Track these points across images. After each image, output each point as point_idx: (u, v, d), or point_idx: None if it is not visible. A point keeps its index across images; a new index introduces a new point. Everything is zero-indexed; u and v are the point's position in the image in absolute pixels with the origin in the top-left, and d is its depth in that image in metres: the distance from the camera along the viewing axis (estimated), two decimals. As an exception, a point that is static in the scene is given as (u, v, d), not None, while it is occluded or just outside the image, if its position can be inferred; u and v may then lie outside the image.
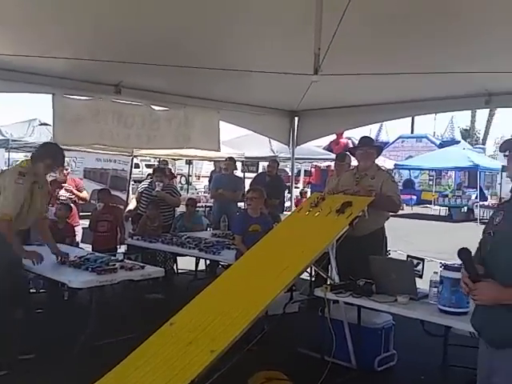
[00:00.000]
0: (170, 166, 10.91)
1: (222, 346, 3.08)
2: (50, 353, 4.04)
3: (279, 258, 3.93)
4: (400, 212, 16.21)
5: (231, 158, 7.79)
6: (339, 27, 3.36)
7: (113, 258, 4.69)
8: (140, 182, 7.85)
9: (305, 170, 21.60)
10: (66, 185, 6.47)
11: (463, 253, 2.04)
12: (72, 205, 6.36)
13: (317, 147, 16.36)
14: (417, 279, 3.52)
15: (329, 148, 18.40)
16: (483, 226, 2.28)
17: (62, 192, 6.46)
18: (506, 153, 2.09)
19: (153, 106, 6.24)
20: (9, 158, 9.38)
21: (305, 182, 21.41)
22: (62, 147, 8.30)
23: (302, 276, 4.46)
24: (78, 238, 6.33)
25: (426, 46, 4.03)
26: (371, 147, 4.61)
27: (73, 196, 6.51)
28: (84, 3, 3.48)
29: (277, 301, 3.72)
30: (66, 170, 6.70)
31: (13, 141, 9.19)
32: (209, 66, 4.64)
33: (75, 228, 6.23)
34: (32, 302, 4.97)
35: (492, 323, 2.04)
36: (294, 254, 3.89)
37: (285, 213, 7.48)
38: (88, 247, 5.94)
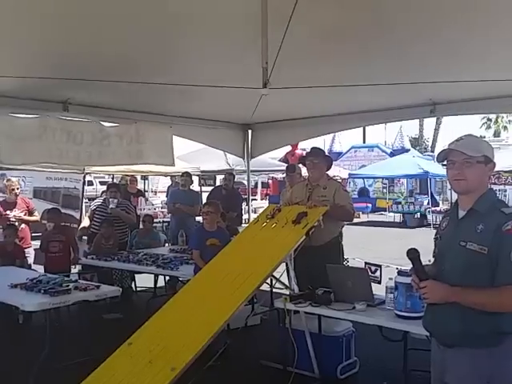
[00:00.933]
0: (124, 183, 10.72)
1: (182, 364, 3.04)
2: (7, 378, 3.87)
3: (238, 270, 3.92)
4: (356, 220, 16.54)
5: (187, 173, 7.75)
6: (286, 41, 3.40)
7: (66, 278, 4.54)
8: (94, 199, 7.68)
9: (262, 182, 21.74)
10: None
11: (411, 252, 2.11)
12: (23, 225, 6.15)
13: (272, 159, 16.51)
14: (376, 285, 3.60)
15: (285, 159, 18.58)
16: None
17: (14, 213, 6.26)
18: (444, 162, 2.15)
19: (102, 123, 6.13)
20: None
21: (262, 193, 21.54)
22: (10, 166, 8.08)
23: (263, 287, 4.46)
24: (31, 259, 6.12)
25: (372, 58, 4.14)
26: (318, 157, 4.65)
27: (24, 217, 6.31)
28: (27, 19, 3.37)
29: (238, 314, 3.71)
30: (18, 189, 6.50)
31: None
32: (157, 81, 4.61)
33: (27, 249, 6.04)
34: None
35: (442, 323, 2.09)
36: (252, 266, 3.90)
37: (243, 225, 7.47)
38: (41, 269, 5.73)
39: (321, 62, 4.26)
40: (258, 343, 4.82)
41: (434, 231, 2.34)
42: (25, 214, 6.37)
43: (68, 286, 4.13)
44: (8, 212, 6.29)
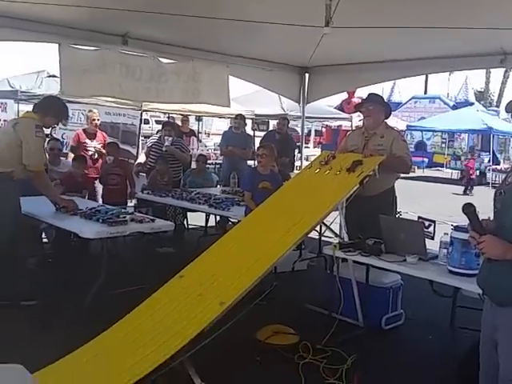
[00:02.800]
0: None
1: (231, 299, 3.12)
2: (61, 300, 4.14)
3: (288, 215, 3.92)
4: (411, 174, 16.12)
5: (241, 115, 7.68)
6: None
7: (123, 210, 4.71)
8: (150, 137, 7.80)
9: (315, 130, 21.39)
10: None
11: (466, 207, 2.05)
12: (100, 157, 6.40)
13: (328, 106, 16.11)
14: (428, 241, 3.51)
15: (340, 107, 18.13)
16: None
17: (93, 143, 6.50)
18: None
19: (160, 59, 6.10)
20: (18, 110, 9.28)
21: (315, 141, 21.25)
22: (71, 99, 8.29)
23: (311, 234, 4.47)
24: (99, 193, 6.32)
25: (441, 1, 3.85)
26: (374, 104, 4.46)
27: (102, 150, 6.53)
28: None
29: (286, 258, 3.74)
30: (98, 120, 6.69)
31: (21, 92, 9.08)
32: (216, 17, 4.48)
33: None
34: (44, 252, 5.07)
35: (495, 281, 2.05)
36: (303, 212, 3.89)
37: (295, 171, 7.43)
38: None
39: (385, 2, 3.99)
40: (304, 288, 4.89)
41: (493, 190, 2.24)
42: (102, 147, 6.58)
43: (125, 217, 4.28)
44: (87, 141, 6.54)
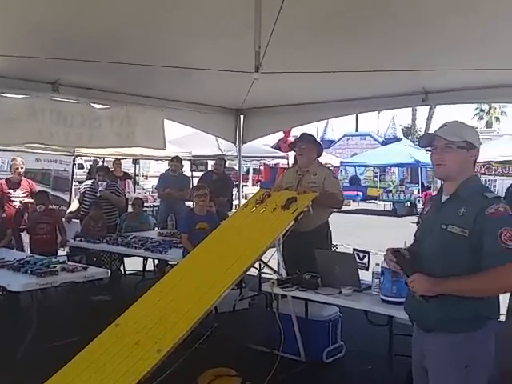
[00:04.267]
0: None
1: (168, 345, 3.05)
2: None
3: (226, 254, 3.93)
4: (347, 208, 16.61)
5: (177, 158, 7.70)
6: (278, 25, 3.38)
7: (54, 260, 4.53)
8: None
9: (254, 169, 21.71)
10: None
11: (398, 256, 2.16)
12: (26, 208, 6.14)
13: (265, 145, 16.48)
14: (363, 272, 3.62)
15: (277, 146, 18.56)
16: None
17: (17, 193, 6.24)
18: (428, 148, 2.15)
19: (93, 104, 6.06)
20: None
21: (254, 180, 21.52)
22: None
23: (251, 272, 4.48)
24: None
25: (364, 45, 4.11)
26: (306, 143, 4.62)
27: (26, 198, 6.29)
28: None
29: (226, 298, 3.72)
30: (21, 168, 6.45)
31: None
32: (148, 63, 4.55)
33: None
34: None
35: (421, 308, 2.10)
36: (240, 250, 3.90)
37: (233, 211, 7.47)
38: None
39: (313, 48, 4.23)
40: (245, 327, 4.85)
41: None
42: (27, 196, 6.34)
43: (55, 267, 4.12)
44: (11, 191, 6.28)
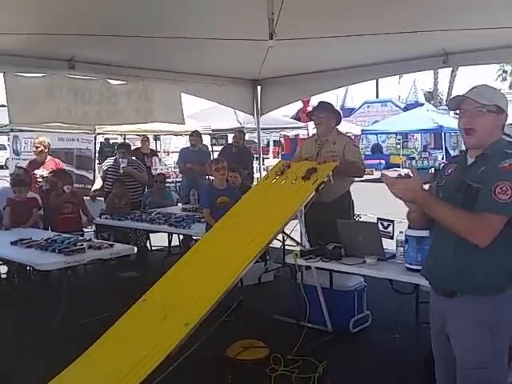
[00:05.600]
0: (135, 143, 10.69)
1: (196, 319, 3.09)
2: (26, 335, 4.00)
3: (249, 227, 3.94)
4: (370, 177, 16.39)
5: (196, 132, 7.67)
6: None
7: (81, 238, 4.61)
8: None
9: (274, 141, 21.57)
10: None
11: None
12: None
13: (284, 116, 16.31)
14: (388, 240, 3.58)
15: (296, 117, 18.38)
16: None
17: (42, 172, 6.26)
18: (457, 111, 2.09)
19: (109, 81, 6.03)
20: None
21: (275, 152, 21.42)
22: (22, 127, 8.03)
23: (275, 244, 4.49)
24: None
25: (382, 6, 3.97)
26: (324, 112, 4.54)
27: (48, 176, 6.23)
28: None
29: (251, 271, 3.74)
30: (43, 148, 6.40)
31: (-29, 122, 8.84)
32: (161, 35, 4.49)
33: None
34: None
35: (441, 272, 2.07)
36: (263, 223, 3.90)
37: (254, 183, 7.46)
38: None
39: (329, 12, 4.09)
40: (271, 299, 4.89)
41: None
42: (51, 175, 6.23)
43: (82, 244, 4.19)
44: (36, 171, 6.30)
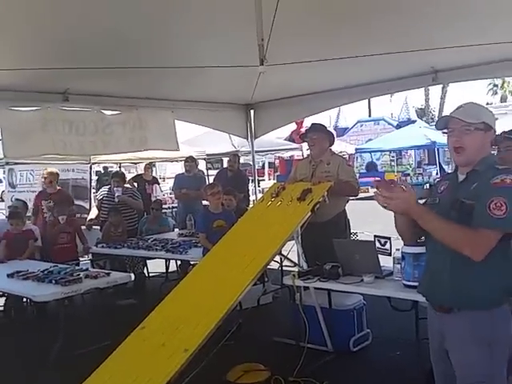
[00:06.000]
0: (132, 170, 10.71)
1: (195, 344, 3.07)
2: (24, 367, 3.97)
3: (245, 250, 3.94)
4: (365, 194, 16.40)
5: (191, 158, 7.73)
6: (279, 15, 3.36)
7: (77, 267, 4.60)
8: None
9: (269, 163, 21.66)
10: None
11: None
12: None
13: (278, 138, 16.43)
14: (386, 258, 3.60)
15: (290, 138, 18.48)
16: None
17: (46, 203, 6.25)
18: (445, 130, 2.12)
19: (103, 111, 6.11)
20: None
21: (270, 173, 21.49)
22: (17, 160, 8.06)
23: (273, 265, 4.49)
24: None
25: (367, 28, 4.05)
26: (317, 133, 4.60)
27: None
28: (20, 8, 3.36)
29: (250, 293, 3.74)
30: (50, 179, 6.36)
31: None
32: (155, 65, 4.57)
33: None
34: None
35: (438, 288, 2.08)
36: (260, 245, 3.92)
37: (250, 206, 7.47)
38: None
39: (317, 35, 4.18)
40: (270, 321, 4.86)
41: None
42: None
43: (79, 274, 4.18)
44: (42, 202, 6.29)
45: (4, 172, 10.10)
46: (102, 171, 15.00)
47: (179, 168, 13.48)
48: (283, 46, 3.99)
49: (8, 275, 4.41)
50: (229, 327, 3.64)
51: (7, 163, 9.03)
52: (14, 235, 5.46)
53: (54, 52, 4.24)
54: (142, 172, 9.07)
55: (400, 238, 2.38)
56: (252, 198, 8.62)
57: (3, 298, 5.18)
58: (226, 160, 14.40)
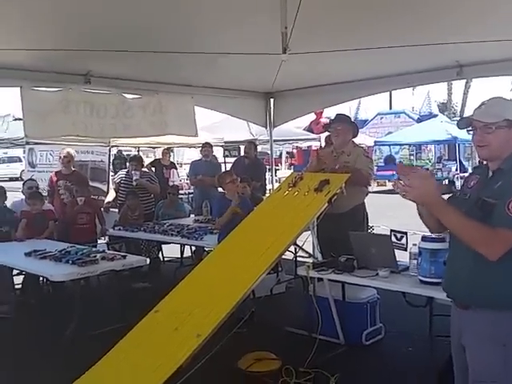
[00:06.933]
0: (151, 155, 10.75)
1: (208, 330, 3.09)
2: (40, 345, 4.04)
3: (261, 239, 3.94)
4: (383, 188, 16.32)
5: (208, 144, 7.74)
6: (304, 3, 3.32)
7: (94, 249, 4.65)
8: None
9: (286, 152, 21.60)
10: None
11: None
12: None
13: (297, 128, 16.32)
14: (402, 252, 3.56)
15: (309, 128, 18.37)
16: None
17: (61, 183, 6.33)
18: (469, 128, 2.08)
19: (125, 94, 6.13)
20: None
21: (287, 163, 21.45)
22: (37, 140, 8.16)
23: (287, 255, 4.48)
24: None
25: (396, 19, 3.99)
26: (341, 124, 4.56)
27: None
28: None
29: (263, 282, 3.74)
30: (69, 160, 6.43)
31: (-12, 137, 8.99)
32: (178, 51, 4.56)
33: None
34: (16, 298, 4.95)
35: (457, 284, 2.06)
36: (275, 234, 3.90)
37: (267, 195, 7.46)
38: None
39: (342, 25, 4.13)
40: (283, 311, 4.87)
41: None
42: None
43: (95, 256, 4.23)
44: (60, 183, 6.37)
45: (24, 151, 10.24)
46: (117, 154, 15.10)
47: (197, 154, 13.52)
48: (306, 35, 3.94)
49: (26, 254, 4.47)
50: (241, 315, 3.66)
51: (27, 143, 9.13)
52: (33, 215, 5.54)
53: (77, 34, 4.25)
54: (160, 157, 9.10)
55: (426, 228, 2.32)
56: (268, 187, 8.59)
57: (21, 277, 5.25)
58: (243, 148, 14.40)
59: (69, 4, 3.60)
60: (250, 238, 4.04)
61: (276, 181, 9.47)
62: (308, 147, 19.27)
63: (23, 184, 6.54)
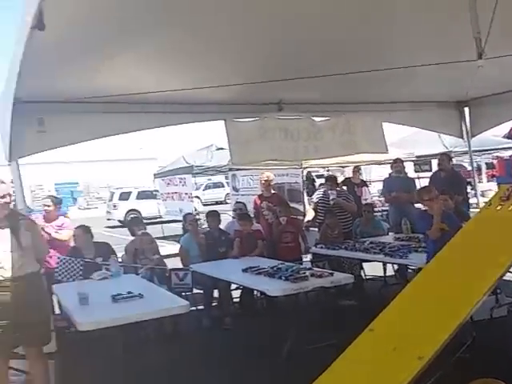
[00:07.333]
0: (339, 174, 10.87)
1: (430, 353, 2.93)
2: (256, 359, 4.29)
3: (476, 259, 3.63)
4: None
5: (399, 160, 7.51)
6: (498, 5, 3.05)
7: (301, 266, 4.84)
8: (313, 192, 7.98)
9: (486, 163, 19.82)
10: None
11: None
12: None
13: (494, 136, 14.89)
14: None
15: (509, 135, 16.57)
16: None
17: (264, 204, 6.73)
18: None
19: (313, 118, 6.39)
20: (195, 183, 10.37)
21: (488, 175, 19.68)
22: (239, 167, 8.89)
23: (506, 277, 4.04)
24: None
25: None
26: None
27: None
28: (243, 33, 3.74)
29: (482, 305, 3.43)
30: (269, 182, 6.81)
31: (196, 167, 10.15)
32: (365, 69, 4.56)
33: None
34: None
35: None
36: (491, 254, 3.56)
37: (471, 210, 6.91)
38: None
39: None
40: (506, 335, 4.39)
41: None
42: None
43: (305, 272, 4.39)
44: (263, 204, 6.70)
45: (227, 177, 11.28)
46: (306, 175, 15.57)
47: (385, 171, 13.22)
48: (499, 38, 3.61)
49: (243, 270, 4.86)
50: (462, 339, 3.41)
51: (230, 169, 10.05)
52: (245, 234, 6.02)
53: (268, 66, 4.61)
54: (351, 175, 9.14)
55: None
56: (472, 200, 7.96)
57: (239, 291, 5.72)
58: (434, 162, 13.64)
59: (260, 39, 3.92)
60: (465, 257, 3.75)
61: (480, 194, 8.71)
62: (510, 156, 17.39)
63: (233, 207, 7.12)
